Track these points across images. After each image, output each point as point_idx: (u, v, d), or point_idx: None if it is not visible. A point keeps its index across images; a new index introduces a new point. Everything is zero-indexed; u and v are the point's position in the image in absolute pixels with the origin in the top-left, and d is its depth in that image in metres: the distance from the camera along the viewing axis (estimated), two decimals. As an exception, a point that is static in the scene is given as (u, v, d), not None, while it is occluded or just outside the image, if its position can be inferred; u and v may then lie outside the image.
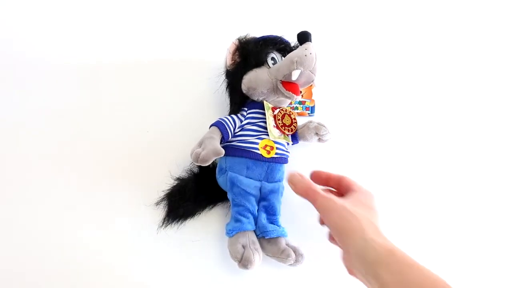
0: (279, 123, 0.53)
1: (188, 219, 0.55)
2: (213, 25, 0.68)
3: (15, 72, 0.62)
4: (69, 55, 0.64)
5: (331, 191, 0.49)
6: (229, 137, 0.52)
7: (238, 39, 0.53)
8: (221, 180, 0.54)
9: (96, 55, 0.65)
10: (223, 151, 0.48)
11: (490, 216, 0.60)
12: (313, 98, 0.63)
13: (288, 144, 0.55)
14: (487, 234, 0.59)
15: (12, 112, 0.60)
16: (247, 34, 0.54)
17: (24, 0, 0.67)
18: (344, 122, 0.63)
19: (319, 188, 0.44)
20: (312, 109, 0.63)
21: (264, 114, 0.53)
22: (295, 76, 0.49)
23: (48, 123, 0.60)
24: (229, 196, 0.53)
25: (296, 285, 0.53)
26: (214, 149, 0.48)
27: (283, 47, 0.54)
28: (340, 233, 0.40)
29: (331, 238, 0.48)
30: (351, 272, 0.43)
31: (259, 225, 0.51)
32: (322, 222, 0.50)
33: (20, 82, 0.62)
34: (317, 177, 0.50)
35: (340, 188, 0.48)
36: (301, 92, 0.62)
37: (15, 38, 0.65)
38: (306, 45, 0.49)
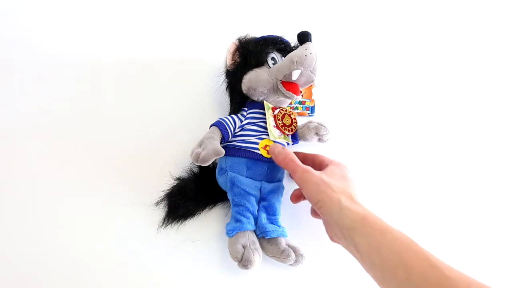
0: (279, 123, 0.53)
1: (188, 219, 0.55)
2: (213, 25, 0.69)
3: (14, 72, 0.62)
4: (68, 55, 0.64)
5: None
6: (229, 137, 0.52)
7: (238, 39, 0.53)
8: (221, 180, 0.54)
9: (96, 55, 0.65)
10: (223, 151, 0.48)
11: (490, 215, 0.60)
12: (313, 98, 0.63)
13: (288, 144, 0.55)
14: (487, 234, 0.59)
15: (10, 111, 0.60)
16: (247, 34, 0.54)
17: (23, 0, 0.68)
18: (344, 122, 0.63)
19: (298, 160, 0.48)
20: (312, 109, 0.63)
21: (264, 114, 0.53)
22: (295, 76, 0.49)
23: (48, 123, 0.60)
24: (229, 196, 0.53)
25: (296, 285, 0.53)
26: (214, 149, 0.48)
27: (283, 47, 0.54)
28: (319, 204, 0.44)
29: (314, 213, 0.52)
30: (333, 239, 0.47)
31: (259, 225, 0.51)
32: (313, 214, 0.53)
33: (19, 81, 0.62)
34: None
35: (315, 164, 0.52)
36: (301, 92, 0.62)
37: (14, 37, 0.65)
38: (306, 45, 0.49)
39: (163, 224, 0.54)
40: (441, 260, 0.35)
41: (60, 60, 0.64)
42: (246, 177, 0.52)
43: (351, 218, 0.40)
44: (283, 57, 0.54)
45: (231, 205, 0.53)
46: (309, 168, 0.47)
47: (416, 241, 0.37)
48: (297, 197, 0.53)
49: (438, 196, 0.61)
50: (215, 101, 0.61)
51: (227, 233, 0.50)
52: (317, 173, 0.46)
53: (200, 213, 0.55)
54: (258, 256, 0.48)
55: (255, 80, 0.52)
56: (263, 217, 0.52)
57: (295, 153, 0.53)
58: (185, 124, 0.61)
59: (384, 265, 0.36)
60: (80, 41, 0.66)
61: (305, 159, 0.54)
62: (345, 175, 0.48)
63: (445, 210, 0.60)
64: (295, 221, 0.56)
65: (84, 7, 0.68)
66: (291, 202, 0.54)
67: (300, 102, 0.63)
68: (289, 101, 0.56)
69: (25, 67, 0.63)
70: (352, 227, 0.40)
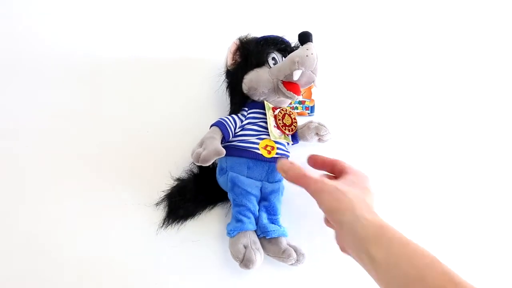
0: (279, 123, 0.53)
1: (188, 220, 0.55)
2: (214, 25, 0.68)
3: (14, 72, 0.62)
4: (68, 55, 0.64)
5: (327, 176, 0.51)
6: (229, 137, 0.52)
7: (239, 38, 0.53)
8: (222, 180, 0.54)
9: (96, 55, 0.65)
10: (224, 151, 0.48)
11: (490, 215, 0.60)
12: (312, 98, 0.63)
13: (288, 144, 0.55)
14: (487, 234, 0.59)
15: (11, 111, 0.60)
16: (248, 34, 0.54)
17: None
18: (344, 122, 0.63)
19: (309, 172, 0.45)
20: (311, 109, 0.63)
21: (264, 114, 0.53)
22: (296, 76, 0.49)
23: (47, 123, 0.59)
24: (230, 196, 0.53)
25: (297, 285, 0.53)
26: (215, 149, 0.48)
27: (283, 48, 0.54)
28: (332, 212, 0.41)
29: (327, 221, 0.50)
30: (343, 250, 0.45)
31: (260, 225, 0.51)
32: (327, 222, 0.50)
33: (19, 81, 0.62)
34: (313, 161, 0.53)
35: (334, 171, 0.50)
36: (302, 91, 0.62)
37: (14, 37, 0.65)
38: (308, 45, 0.49)
39: (163, 224, 0.54)
40: (461, 276, 0.33)
41: (59, 60, 0.63)
42: (247, 177, 0.52)
43: (367, 226, 0.37)
44: (283, 57, 0.54)
45: (232, 205, 0.53)
46: (322, 178, 0.44)
47: (435, 256, 0.34)
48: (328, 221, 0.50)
49: (438, 196, 0.61)
50: (215, 101, 0.61)
51: (228, 233, 0.50)
52: (331, 182, 0.43)
53: (200, 214, 0.55)
54: (259, 256, 0.48)
55: (256, 80, 0.52)
56: (264, 217, 0.52)
57: (314, 156, 0.52)
58: (185, 124, 0.60)
59: (403, 279, 0.34)
60: (80, 41, 0.65)
61: (324, 164, 0.51)
62: (364, 185, 0.45)
63: (445, 211, 0.60)
64: (295, 221, 0.56)
65: (84, 7, 0.68)
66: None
67: (300, 102, 0.63)
68: (289, 101, 0.56)
69: (25, 67, 0.63)
70: (366, 236, 0.37)
